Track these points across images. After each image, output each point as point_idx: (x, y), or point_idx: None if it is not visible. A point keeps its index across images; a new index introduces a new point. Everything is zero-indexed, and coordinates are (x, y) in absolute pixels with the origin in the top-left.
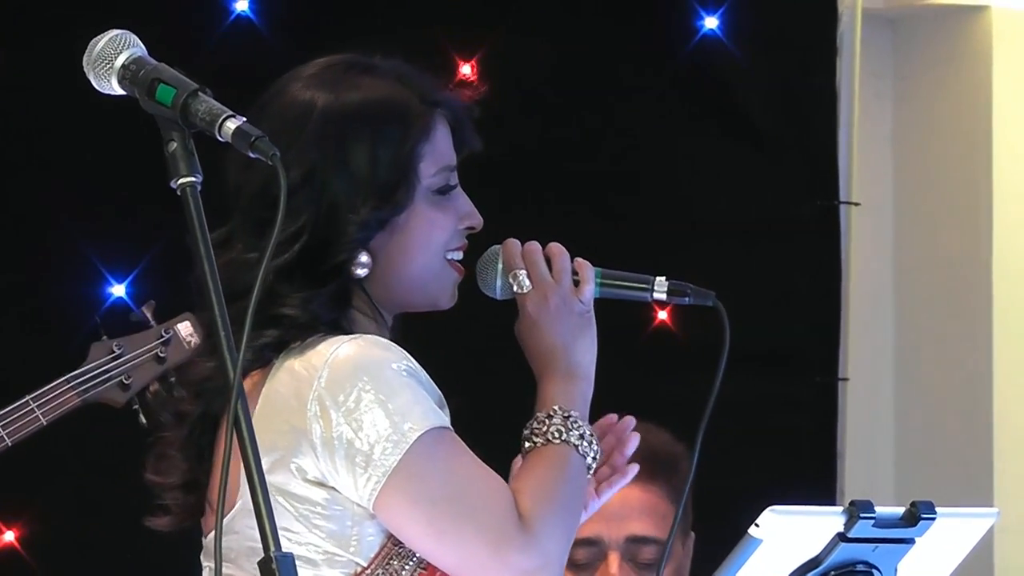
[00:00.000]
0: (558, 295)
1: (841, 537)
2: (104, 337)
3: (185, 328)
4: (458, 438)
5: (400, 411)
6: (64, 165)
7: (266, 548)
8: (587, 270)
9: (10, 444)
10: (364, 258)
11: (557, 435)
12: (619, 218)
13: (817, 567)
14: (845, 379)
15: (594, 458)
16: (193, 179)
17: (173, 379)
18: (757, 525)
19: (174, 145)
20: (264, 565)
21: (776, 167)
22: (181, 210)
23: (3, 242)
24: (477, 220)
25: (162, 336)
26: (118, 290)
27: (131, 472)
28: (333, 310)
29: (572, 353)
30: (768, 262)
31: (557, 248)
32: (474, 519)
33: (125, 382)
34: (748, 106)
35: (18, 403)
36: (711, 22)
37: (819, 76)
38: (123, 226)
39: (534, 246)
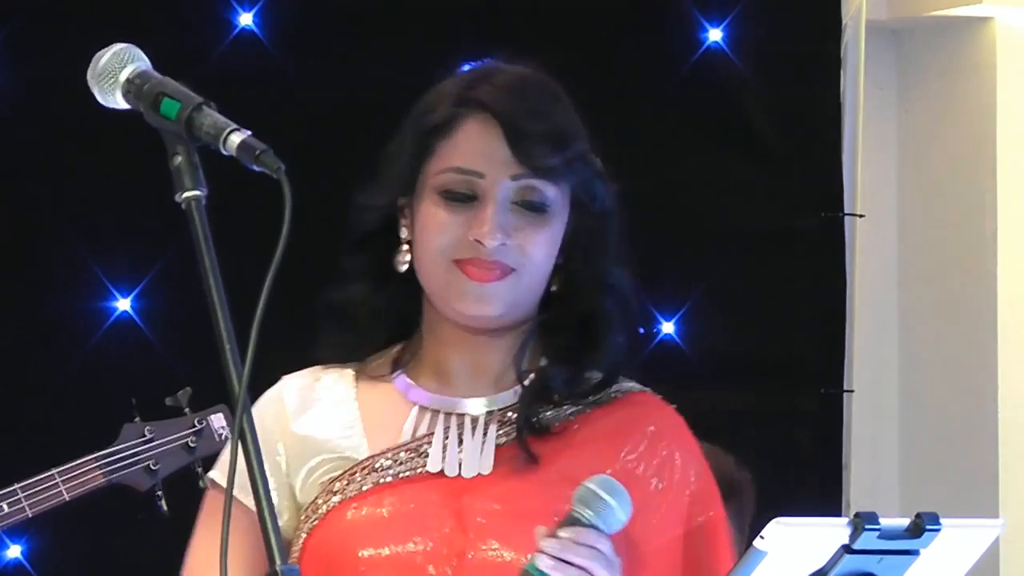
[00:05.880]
0: None
1: (846, 549)
2: (137, 419)
3: (218, 420)
4: (213, 500)
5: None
6: (69, 178)
7: (272, 562)
8: None
9: (31, 515)
10: (403, 256)
11: None
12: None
13: None
14: (850, 391)
15: None
16: (198, 193)
17: (200, 469)
18: (762, 537)
19: (179, 159)
20: None
21: (780, 179)
22: (186, 224)
23: (7, 254)
24: (484, 234)
25: (194, 426)
26: (123, 304)
27: None
28: (385, 304)
29: None
30: (772, 274)
31: None
32: None
33: (152, 467)
34: (752, 118)
35: (43, 475)
36: (715, 34)
37: (823, 88)
38: (128, 240)
39: None
